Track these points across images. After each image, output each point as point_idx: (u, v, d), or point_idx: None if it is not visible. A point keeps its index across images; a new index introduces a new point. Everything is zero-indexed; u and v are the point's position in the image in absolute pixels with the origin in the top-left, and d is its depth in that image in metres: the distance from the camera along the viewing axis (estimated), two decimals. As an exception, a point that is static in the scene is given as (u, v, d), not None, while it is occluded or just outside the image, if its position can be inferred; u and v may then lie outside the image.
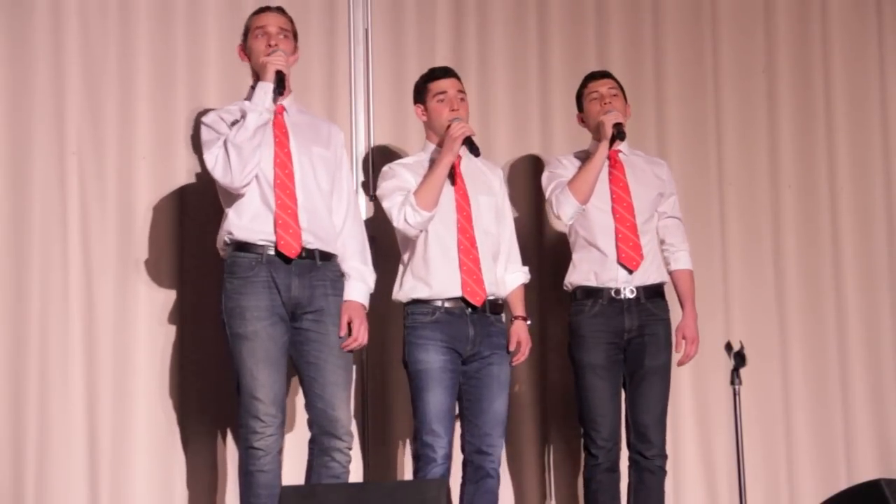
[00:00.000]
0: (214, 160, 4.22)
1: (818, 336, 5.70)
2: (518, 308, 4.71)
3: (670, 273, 4.89)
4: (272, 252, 4.28)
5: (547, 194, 4.80)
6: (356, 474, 4.99)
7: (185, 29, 5.07)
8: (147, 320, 4.90)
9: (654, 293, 4.78)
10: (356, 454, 5.00)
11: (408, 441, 5.09)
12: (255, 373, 4.20)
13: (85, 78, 4.93)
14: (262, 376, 4.20)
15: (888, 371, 5.75)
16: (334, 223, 4.43)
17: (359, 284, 4.43)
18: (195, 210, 4.98)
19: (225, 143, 4.22)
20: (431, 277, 4.52)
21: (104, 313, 4.85)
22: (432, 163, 4.56)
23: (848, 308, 5.74)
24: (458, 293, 4.51)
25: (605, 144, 4.70)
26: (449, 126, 4.51)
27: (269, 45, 4.36)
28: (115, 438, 4.82)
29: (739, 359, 4.36)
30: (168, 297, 4.93)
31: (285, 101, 4.43)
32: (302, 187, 4.34)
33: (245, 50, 4.46)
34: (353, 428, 4.94)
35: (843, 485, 5.23)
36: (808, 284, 5.72)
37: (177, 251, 4.96)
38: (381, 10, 5.31)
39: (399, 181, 4.56)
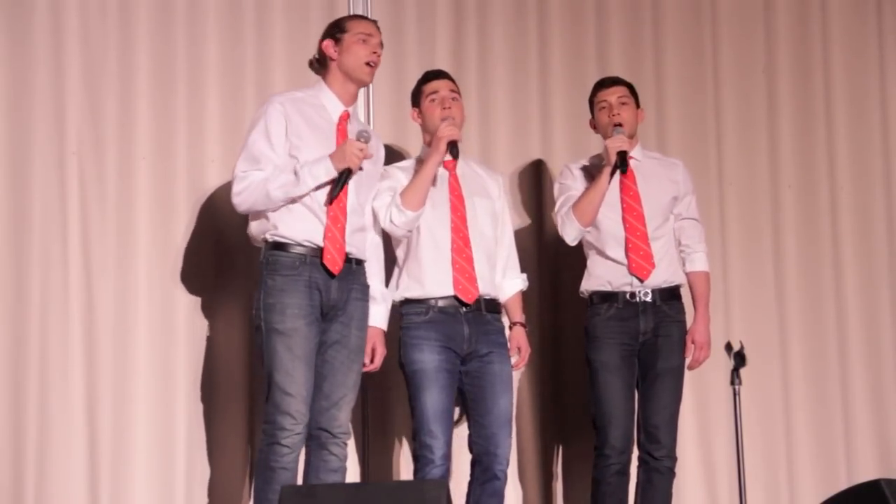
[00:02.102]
0: (244, 183, 4.23)
1: (818, 336, 5.70)
2: (516, 314, 4.72)
3: (686, 275, 4.88)
4: (314, 255, 4.28)
5: (556, 209, 4.82)
6: (356, 474, 5.00)
7: (185, 29, 5.07)
8: (147, 320, 4.90)
9: (669, 295, 4.78)
10: (356, 455, 5.02)
11: (406, 441, 5.10)
12: (290, 369, 4.20)
13: (85, 78, 4.93)
14: (297, 373, 4.21)
15: (888, 371, 5.74)
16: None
17: (383, 309, 4.51)
18: (195, 210, 4.98)
19: (266, 184, 4.21)
20: (424, 276, 4.53)
21: (104, 313, 4.86)
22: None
23: (848, 308, 5.74)
24: (450, 292, 4.52)
25: (607, 171, 4.68)
26: (437, 127, 4.53)
27: (375, 54, 4.39)
28: (115, 438, 4.82)
29: (739, 359, 4.36)
30: (168, 296, 4.93)
31: (350, 108, 4.44)
32: (352, 201, 4.35)
33: (337, 46, 4.40)
34: (358, 429, 4.98)
35: (843, 485, 5.23)
36: (808, 284, 5.71)
37: (177, 251, 4.96)
38: (381, 11, 5.31)
39: (391, 181, 4.57)
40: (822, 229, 5.76)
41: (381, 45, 4.46)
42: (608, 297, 4.75)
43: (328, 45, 4.42)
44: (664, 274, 4.76)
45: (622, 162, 4.66)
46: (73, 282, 4.83)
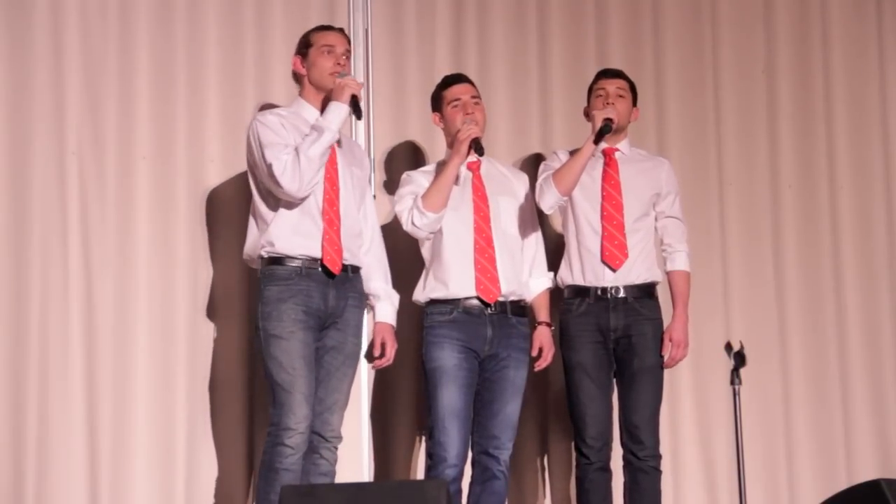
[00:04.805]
0: (283, 166, 4.27)
1: (818, 336, 5.70)
2: (542, 314, 4.76)
3: (667, 274, 4.89)
4: (311, 266, 4.34)
5: (537, 182, 4.82)
6: (363, 475, 5.01)
7: (185, 29, 5.06)
8: (147, 320, 4.90)
9: (642, 293, 4.79)
10: (365, 454, 5.03)
11: (415, 441, 5.11)
12: (290, 370, 4.25)
13: (85, 78, 4.93)
14: (298, 373, 4.26)
15: (888, 371, 5.75)
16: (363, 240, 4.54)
17: (389, 306, 4.58)
18: (195, 209, 4.98)
19: (297, 151, 4.29)
20: (448, 278, 4.58)
21: (104, 313, 4.85)
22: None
23: (848, 308, 5.74)
24: (473, 292, 4.55)
25: (590, 139, 4.69)
26: (458, 130, 4.57)
27: (339, 65, 4.46)
28: (115, 438, 4.82)
29: (739, 359, 4.36)
30: (168, 296, 4.93)
31: None
32: (344, 204, 4.43)
33: (304, 62, 4.50)
34: (365, 428, 4.98)
35: (843, 485, 5.23)
36: (808, 284, 5.72)
37: (176, 251, 4.96)
38: (381, 10, 5.31)
39: (414, 186, 4.64)
40: (822, 229, 5.76)
41: (349, 52, 4.54)
42: (580, 293, 4.78)
43: (296, 62, 4.53)
44: (638, 270, 4.77)
45: (605, 126, 4.66)
46: (73, 282, 4.83)
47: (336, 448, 4.40)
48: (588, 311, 4.76)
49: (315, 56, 4.48)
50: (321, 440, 4.35)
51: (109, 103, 4.95)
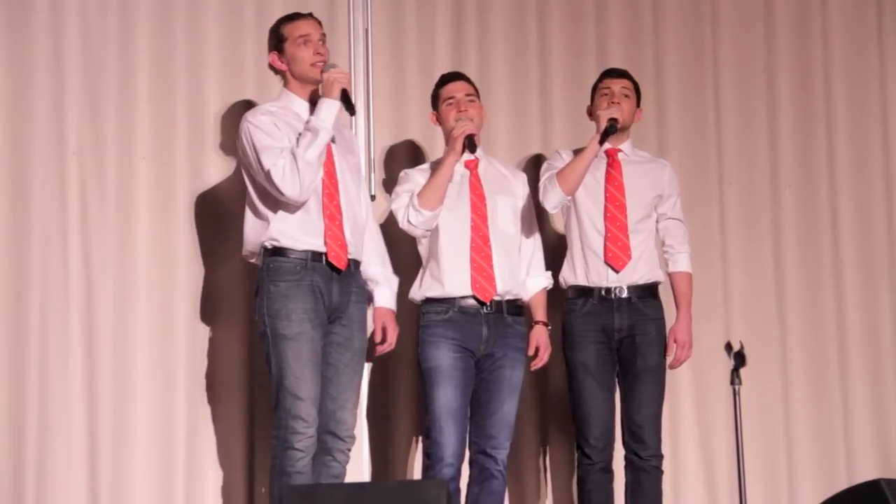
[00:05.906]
0: (282, 172, 4.22)
1: (818, 336, 5.70)
2: (539, 313, 4.75)
3: (669, 275, 4.90)
4: (316, 259, 4.31)
5: (540, 181, 4.82)
6: (362, 475, 5.01)
7: (185, 29, 5.06)
8: (147, 320, 4.90)
9: (645, 293, 4.79)
10: (363, 454, 5.03)
11: (413, 441, 5.11)
12: (299, 373, 4.22)
13: (85, 78, 4.93)
14: (305, 377, 4.23)
15: (888, 371, 5.75)
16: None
17: (388, 290, 4.54)
18: (195, 209, 4.98)
19: (294, 156, 4.24)
20: (444, 276, 4.57)
21: (104, 313, 4.85)
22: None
23: (848, 308, 5.74)
24: (468, 291, 4.55)
25: (595, 139, 4.69)
26: (453, 128, 4.56)
27: (319, 54, 4.40)
28: (115, 438, 4.82)
29: (739, 359, 4.36)
30: (168, 296, 4.93)
31: None
32: (344, 196, 4.40)
33: (282, 58, 4.43)
34: (364, 428, 4.99)
35: (843, 485, 5.23)
36: (808, 284, 5.72)
37: (176, 251, 4.96)
38: (381, 10, 5.31)
39: (410, 184, 4.63)
40: (822, 229, 5.76)
41: (324, 37, 4.45)
42: (584, 293, 4.78)
43: (274, 58, 4.45)
44: (641, 270, 4.78)
45: (611, 126, 4.66)
46: (73, 282, 4.83)
47: (349, 450, 4.36)
48: (592, 311, 4.76)
49: (292, 49, 4.40)
50: (335, 440, 4.32)
51: (109, 103, 4.95)
